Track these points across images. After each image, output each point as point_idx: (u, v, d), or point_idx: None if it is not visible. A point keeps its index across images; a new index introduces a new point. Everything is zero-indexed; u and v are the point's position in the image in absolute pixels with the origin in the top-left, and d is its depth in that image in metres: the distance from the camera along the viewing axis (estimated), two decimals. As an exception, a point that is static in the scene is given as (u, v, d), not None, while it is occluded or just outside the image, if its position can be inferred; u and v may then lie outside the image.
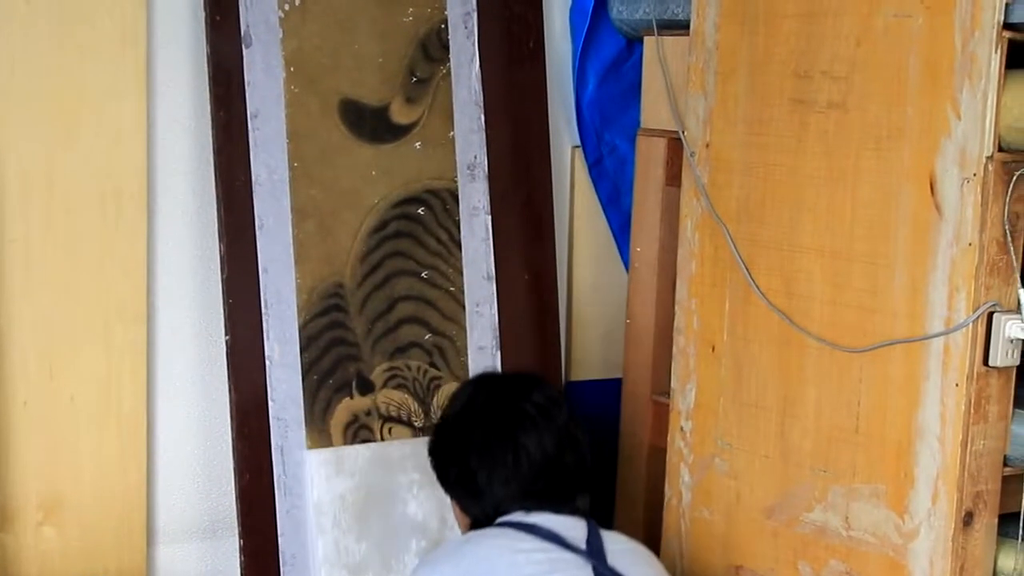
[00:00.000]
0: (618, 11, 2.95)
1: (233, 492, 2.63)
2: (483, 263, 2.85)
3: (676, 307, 2.72)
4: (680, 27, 2.76)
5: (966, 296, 2.21)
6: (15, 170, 2.49)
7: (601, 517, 2.41)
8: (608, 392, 3.05)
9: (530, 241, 2.92)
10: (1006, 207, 2.19)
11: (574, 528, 2.29)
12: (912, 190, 2.27)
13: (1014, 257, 2.21)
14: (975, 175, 2.19)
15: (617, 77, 3.05)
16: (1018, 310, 2.22)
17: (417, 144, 2.79)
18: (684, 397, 2.70)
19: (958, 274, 2.22)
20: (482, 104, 2.86)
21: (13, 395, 2.51)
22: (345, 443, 2.70)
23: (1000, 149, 2.19)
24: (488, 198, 2.86)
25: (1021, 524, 2.26)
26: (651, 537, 2.83)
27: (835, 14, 2.38)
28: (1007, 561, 2.30)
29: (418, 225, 2.80)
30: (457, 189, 2.83)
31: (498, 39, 2.88)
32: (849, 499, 2.39)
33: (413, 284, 2.79)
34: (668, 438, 2.74)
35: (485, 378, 2.55)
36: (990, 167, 2.18)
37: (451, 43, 2.82)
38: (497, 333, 2.86)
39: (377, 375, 2.75)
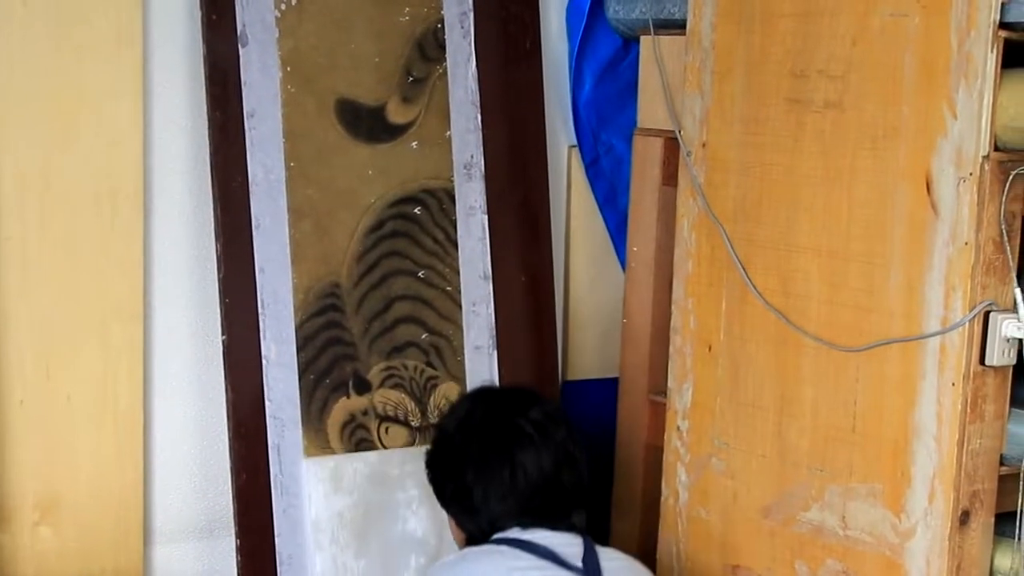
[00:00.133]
0: (614, 11, 2.95)
1: (230, 492, 2.63)
2: (480, 263, 2.85)
3: (673, 307, 2.72)
4: (676, 27, 2.76)
5: (962, 295, 2.21)
6: (12, 170, 2.49)
7: (598, 517, 2.41)
8: (605, 392, 3.05)
9: (527, 241, 2.92)
10: (1002, 206, 2.19)
11: (570, 545, 2.29)
12: (908, 189, 2.27)
13: (1010, 256, 2.21)
14: (971, 174, 2.19)
15: (614, 77, 3.05)
16: (1014, 309, 2.22)
17: (413, 144, 2.79)
18: (681, 397, 2.70)
19: (954, 273, 2.22)
20: (479, 104, 2.86)
21: (10, 394, 2.51)
22: (342, 443, 2.70)
23: (996, 148, 2.19)
24: (485, 198, 2.86)
25: (1018, 523, 2.26)
26: (648, 537, 2.84)
27: (831, 13, 2.38)
28: (1003, 560, 2.31)
29: (415, 225, 2.79)
30: (453, 189, 2.83)
31: (494, 39, 2.88)
32: (846, 498, 2.39)
33: (410, 284, 2.79)
34: (665, 438, 2.74)
35: (483, 393, 2.55)
36: (986, 166, 2.18)
37: (447, 43, 2.82)
38: (494, 333, 2.86)
39: (374, 375, 2.75)
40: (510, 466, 2.32)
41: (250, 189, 2.63)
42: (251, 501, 2.62)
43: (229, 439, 2.62)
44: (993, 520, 2.30)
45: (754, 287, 2.54)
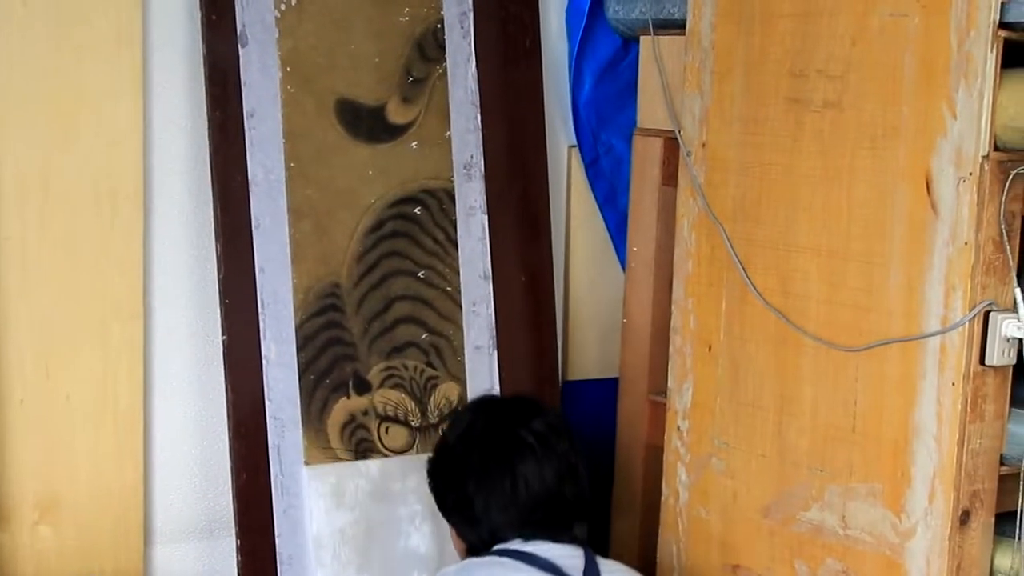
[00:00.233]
0: (614, 11, 2.95)
1: (230, 492, 2.63)
2: (480, 263, 2.85)
3: (673, 306, 2.72)
4: (676, 27, 2.77)
5: (962, 295, 2.21)
6: (12, 170, 2.49)
7: (598, 517, 2.41)
8: (605, 392, 3.05)
9: (527, 241, 2.92)
10: (1002, 206, 2.19)
11: (571, 557, 2.29)
12: (908, 189, 2.27)
13: (1010, 256, 2.21)
14: (971, 174, 2.19)
15: (613, 77, 3.05)
16: (1014, 309, 2.22)
17: (413, 144, 2.79)
18: (681, 396, 2.70)
19: (954, 273, 2.22)
20: (478, 104, 2.86)
21: (9, 394, 2.51)
22: (343, 443, 2.70)
23: (996, 148, 2.19)
24: (484, 198, 2.86)
25: (1018, 523, 2.26)
26: (648, 537, 2.84)
27: (831, 13, 2.38)
28: (1004, 560, 2.31)
29: (414, 225, 2.80)
30: (453, 189, 2.83)
31: (494, 39, 2.88)
32: (846, 498, 2.39)
33: (410, 284, 2.79)
34: (665, 437, 2.74)
35: (485, 402, 2.54)
36: (986, 166, 2.18)
37: (447, 43, 2.82)
38: (494, 333, 2.86)
39: (374, 375, 2.75)
40: (511, 477, 2.32)
41: (250, 189, 2.63)
42: (251, 501, 2.62)
43: (229, 439, 2.62)
44: (993, 520, 2.30)
45: (754, 287, 2.54)
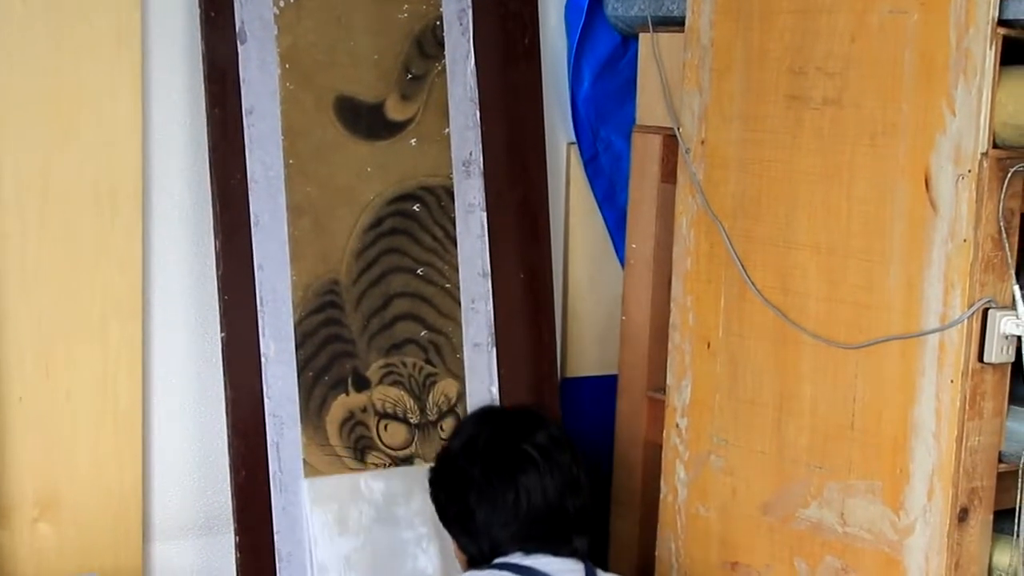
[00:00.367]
0: (613, 8, 2.95)
1: (229, 489, 2.63)
2: (479, 260, 2.85)
3: (672, 303, 2.72)
4: (675, 24, 2.77)
5: (961, 292, 2.21)
6: (11, 167, 2.49)
7: (598, 516, 2.41)
8: (604, 389, 3.05)
9: (526, 238, 2.92)
10: (1001, 203, 2.20)
11: (572, 571, 2.29)
12: (907, 186, 2.27)
13: (1009, 253, 2.22)
14: (970, 171, 2.19)
15: (612, 74, 3.05)
16: (1013, 306, 2.22)
17: (412, 141, 2.79)
18: (680, 394, 2.70)
19: (953, 270, 2.22)
20: (477, 101, 2.86)
21: (9, 391, 2.51)
22: (342, 440, 2.70)
23: (995, 146, 2.19)
24: (483, 195, 2.86)
25: (1016, 520, 2.26)
26: (647, 534, 2.84)
27: (830, 10, 2.38)
28: (1002, 557, 2.31)
29: (413, 222, 2.79)
30: (452, 186, 2.83)
31: (493, 36, 2.88)
32: (845, 495, 2.40)
33: (409, 281, 2.79)
34: (664, 435, 2.75)
35: (488, 413, 2.53)
36: (985, 164, 2.18)
37: (446, 40, 2.82)
38: (493, 330, 2.87)
39: (373, 372, 2.75)
40: (514, 491, 2.31)
41: (249, 186, 2.63)
42: (250, 498, 2.62)
43: (228, 436, 2.62)
44: (992, 517, 2.30)
45: (753, 284, 2.54)
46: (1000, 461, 2.29)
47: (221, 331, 2.61)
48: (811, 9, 2.41)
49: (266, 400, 2.64)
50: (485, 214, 2.86)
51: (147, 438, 2.68)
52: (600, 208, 3.11)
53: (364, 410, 2.74)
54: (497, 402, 2.85)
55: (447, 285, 2.82)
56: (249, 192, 2.62)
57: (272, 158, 2.65)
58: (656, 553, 2.77)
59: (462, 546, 2.39)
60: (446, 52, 2.82)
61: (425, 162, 2.80)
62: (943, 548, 2.26)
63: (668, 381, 2.73)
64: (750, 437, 2.56)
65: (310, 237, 2.68)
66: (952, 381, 2.23)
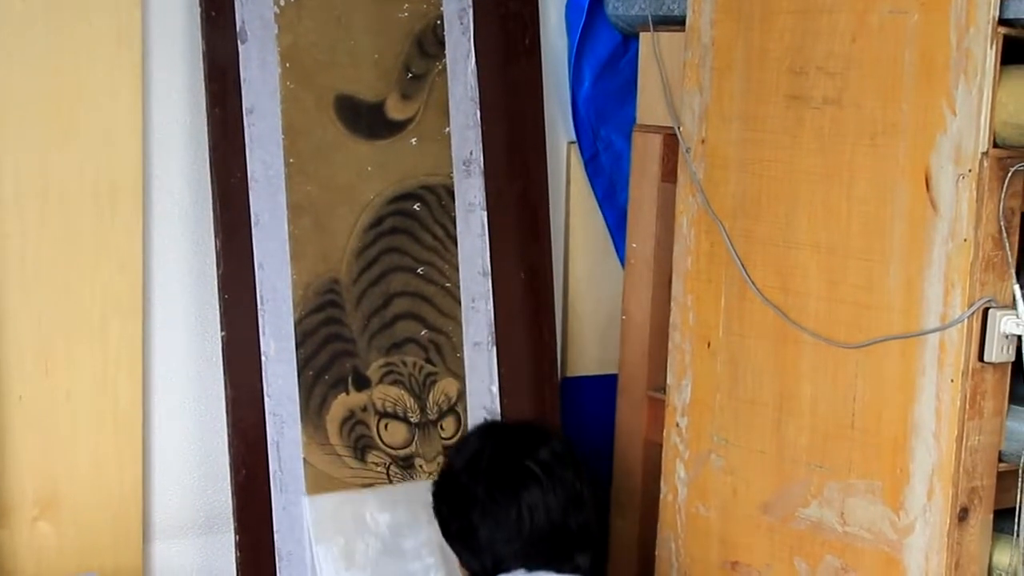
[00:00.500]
0: (614, 7, 2.95)
1: (229, 488, 2.63)
2: (479, 259, 2.86)
3: (672, 303, 2.72)
4: (676, 23, 2.76)
5: (961, 292, 2.21)
6: (12, 167, 2.49)
7: (597, 516, 2.41)
8: (604, 388, 3.05)
9: (526, 237, 2.92)
10: (1001, 203, 2.19)
11: None
12: (907, 186, 2.27)
13: (1009, 253, 2.21)
14: (970, 171, 2.19)
15: (613, 73, 3.05)
16: (1013, 306, 2.22)
17: (413, 140, 2.79)
18: (680, 393, 2.70)
19: (953, 270, 2.22)
20: (478, 100, 2.86)
21: (9, 390, 2.51)
22: (342, 439, 2.70)
23: (995, 145, 2.19)
24: (484, 194, 2.86)
25: (1016, 520, 2.26)
26: (647, 534, 2.84)
27: (830, 10, 2.38)
28: (1002, 557, 2.31)
29: (414, 221, 2.79)
30: (453, 185, 2.83)
31: (494, 35, 2.88)
32: (845, 495, 2.39)
33: (409, 280, 2.79)
34: (664, 434, 2.74)
35: (491, 429, 2.53)
36: (985, 163, 2.18)
37: (447, 39, 2.82)
38: (493, 329, 2.87)
39: (373, 371, 2.75)
40: (517, 508, 2.31)
41: (249, 185, 2.63)
42: (250, 497, 2.62)
43: (228, 435, 2.62)
44: (992, 517, 2.30)
45: (753, 284, 2.54)
46: (1000, 460, 2.29)
47: (221, 330, 2.61)
48: (811, 9, 2.41)
49: (266, 399, 2.64)
50: (485, 213, 2.86)
51: (147, 437, 2.68)
52: (600, 207, 3.11)
53: (364, 409, 2.74)
54: (497, 403, 2.85)
55: (447, 284, 2.82)
56: (249, 191, 2.62)
57: (272, 157, 2.65)
58: (656, 552, 2.77)
59: (464, 562, 2.39)
60: (446, 51, 2.82)
61: (425, 161, 2.80)
62: (943, 548, 2.26)
63: (668, 380, 2.73)
64: (750, 436, 2.56)
65: (310, 236, 2.68)
66: (952, 380, 2.23)
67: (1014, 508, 2.27)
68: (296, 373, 2.67)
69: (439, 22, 2.81)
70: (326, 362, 2.70)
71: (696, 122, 2.65)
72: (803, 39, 2.43)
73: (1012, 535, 2.28)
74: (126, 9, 2.56)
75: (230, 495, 2.63)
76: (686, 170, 2.67)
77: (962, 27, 2.18)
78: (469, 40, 2.85)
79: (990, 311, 2.21)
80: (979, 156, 2.18)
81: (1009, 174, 2.19)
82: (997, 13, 2.15)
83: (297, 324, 2.67)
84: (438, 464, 2.79)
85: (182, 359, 2.72)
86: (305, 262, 2.68)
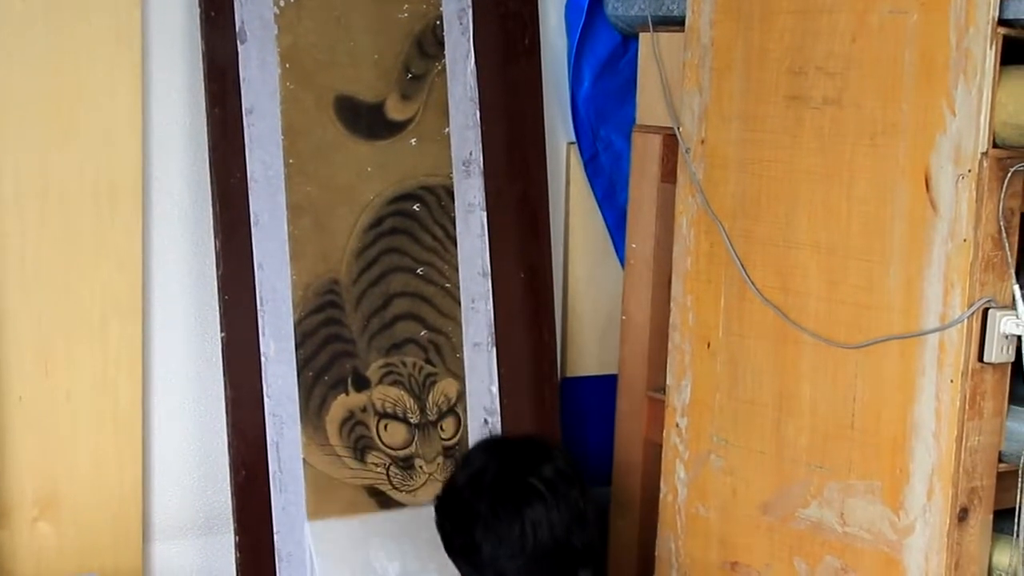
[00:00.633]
0: (613, 7, 2.95)
1: (228, 489, 2.63)
2: (479, 259, 2.85)
3: (671, 303, 2.72)
4: (675, 23, 2.76)
5: (961, 292, 2.21)
6: (11, 167, 2.49)
7: (596, 514, 2.41)
8: (603, 388, 3.05)
9: (526, 237, 2.92)
10: (1001, 203, 2.19)
11: None
12: (907, 186, 2.27)
13: (1009, 253, 2.21)
14: (970, 171, 2.19)
15: (612, 73, 3.05)
16: (1013, 306, 2.22)
17: (413, 140, 2.79)
18: (680, 393, 2.70)
19: (953, 270, 2.22)
20: (477, 100, 2.86)
21: (8, 391, 2.51)
22: (341, 440, 2.70)
23: (995, 145, 2.19)
24: (484, 194, 2.86)
25: (1016, 520, 2.26)
26: (646, 534, 2.84)
27: (830, 10, 2.38)
28: (1002, 557, 2.31)
29: (414, 221, 2.79)
30: (453, 185, 2.83)
31: (493, 35, 2.88)
32: (844, 495, 2.39)
33: (409, 280, 2.79)
34: (664, 434, 2.74)
35: (494, 445, 2.53)
36: (985, 163, 2.18)
37: (446, 39, 2.82)
38: (493, 329, 2.87)
39: (373, 371, 2.75)
40: (520, 525, 2.31)
41: (249, 186, 2.63)
42: (250, 498, 2.62)
43: (228, 436, 2.62)
44: (991, 517, 2.30)
45: (753, 284, 2.54)
46: (1000, 461, 2.29)
47: (221, 330, 2.61)
48: (811, 9, 2.41)
49: (266, 400, 2.64)
50: (485, 213, 2.86)
51: (147, 438, 2.68)
52: (600, 208, 3.11)
53: (364, 410, 2.74)
54: (497, 403, 2.85)
55: (447, 285, 2.82)
56: (249, 191, 2.62)
57: (272, 157, 2.65)
58: (656, 553, 2.77)
59: None
60: (446, 52, 2.82)
61: (425, 161, 2.80)
62: (943, 548, 2.26)
63: (668, 381, 2.73)
64: (750, 437, 2.56)
65: (310, 236, 2.68)
66: (952, 381, 2.23)
67: (1014, 508, 2.27)
68: (296, 374, 2.67)
69: (439, 22, 2.81)
70: (326, 363, 2.70)
71: (696, 122, 2.65)
72: (803, 39, 2.43)
73: (1012, 535, 2.28)
74: (126, 9, 2.56)
75: (230, 496, 2.63)
76: (686, 170, 2.67)
77: (962, 27, 2.18)
78: (469, 40, 2.85)
79: (990, 311, 2.21)
80: (979, 156, 2.18)
81: (1009, 174, 2.19)
82: (997, 13, 2.15)
83: (297, 325, 2.67)
84: (438, 464, 2.80)
85: (182, 359, 2.72)
86: (305, 262, 2.68)
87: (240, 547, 2.62)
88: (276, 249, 2.65)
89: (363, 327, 2.74)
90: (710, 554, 2.65)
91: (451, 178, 2.83)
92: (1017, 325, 2.20)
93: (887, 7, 2.29)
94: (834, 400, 2.40)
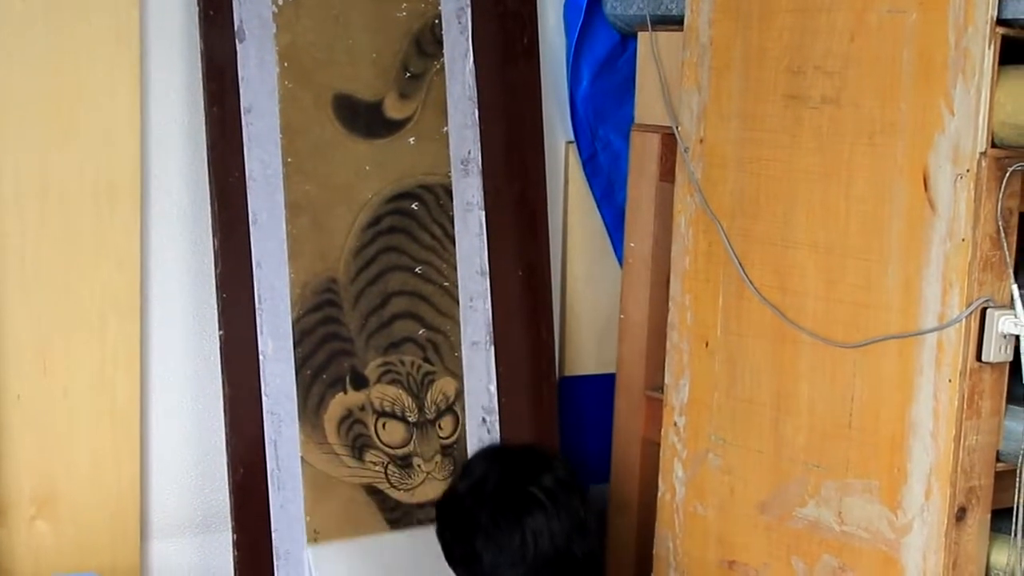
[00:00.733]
0: (612, 6, 2.95)
1: (226, 487, 2.63)
2: (477, 258, 2.85)
3: (670, 302, 2.72)
4: (674, 22, 2.76)
5: (959, 292, 2.21)
6: (11, 166, 2.49)
7: (596, 512, 2.41)
8: (602, 388, 3.05)
9: (524, 236, 2.92)
10: (999, 203, 2.19)
11: None
12: (906, 186, 2.27)
13: (1007, 253, 2.21)
14: (968, 171, 2.19)
15: (611, 72, 3.05)
16: (1011, 306, 2.22)
17: (411, 139, 2.79)
18: (678, 392, 2.70)
19: (951, 270, 2.22)
20: (476, 99, 2.86)
21: (7, 389, 2.51)
22: (340, 439, 2.70)
23: (993, 145, 2.19)
24: (482, 193, 2.86)
25: (1014, 520, 2.26)
26: (644, 533, 2.84)
27: (829, 9, 2.38)
28: (1000, 557, 2.31)
29: (412, 220, 2.79)
30: (451, 184, 2.83)
31: (492, 34, 2.88)
32: (842, 494, 2.40)
33: (407, 279, 2.79)
34: (662, 433, 2.74)
35: (495, 454, 2.53)
36: (983, 163, 2.18)
37: (445, 38, 2.82)
38: (491, 328, 2.87)
39: (371, 370, 2.75)
40: (521, 535, 2.31)
41: (247, 184, 2.62)
42: (248, 496, 2.62)
43: (226, 434, 2.62)
44: (989, 516, 2.30)
45: (751, 283, 2.54)
46: (998, 460, 2.29)
47: (219, 329, 2.61)
48: (810, 8, 2.41)
49: (264, 398, 2.64)
50: (483, 212, 2.86)
51: (145, 436, 2.68)
52: (598, 207, 3.11)
53: (362, 408, 2.74)
54: (495, 402, 2.85)
55: (445, 283, 2.82)
56: (247, 190, 2.62)
57: (270, 156, 2.65)
58: (654, 551, 2.77)
59: None
60: (445, 51, 2.82)
61: (423, 160, 2.80)
62: (941, 547, 2.26)
63: (666, 380, 2.73)
64: (748, 436, 2.56)
65: (308, 235, 2.68)
66: (950, 380, 2.23)
67: (1012, 508, 2.27)
68: (294, 372, 2.67)
69: (437, 21, 2.81)
70: (324, 361, 2.70)
71: (694, 121, 2.65)
72: (801, 38, 2.43)
73: (1010, 535, 2.28)
74: (125, 9, 2.56)
75: (228, 494, 2.63)
76: (684, 169, 2.67)
77: (960, 27, 2.18)
78: (467, 39, 2.85)
79: (988, 311, 2.21)
80: (977, 156, 2.18)
81: (1007, 174, 2.19)
82: (995, 13, 2.15)
83: (295, 323, 2.67)
84: (436, 463, 2.80)
85: (180, 358, 2.72)
86: (303, 261, 2.68)
87: (238, 545, 2.62)
88: (274, 248, 2.65)
89: (361, 326, 2.74)
90: (708, 553, 2.65)
91: (449, 177, 2.83)
92: (1015, 324, 2.20)
93: (886, 6, 2.29)
94: (832, 399, 2.40)
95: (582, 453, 3.05)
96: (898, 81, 2.28)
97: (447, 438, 2.83)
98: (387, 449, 2.76)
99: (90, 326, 2.58)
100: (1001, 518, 2.30)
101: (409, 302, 2.79)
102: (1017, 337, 2.21)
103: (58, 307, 2.54)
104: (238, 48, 2.62)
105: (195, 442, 2.75)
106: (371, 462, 2.75)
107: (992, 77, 2.17)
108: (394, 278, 2.77)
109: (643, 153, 2.90)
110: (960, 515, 2.26)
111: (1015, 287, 2.22)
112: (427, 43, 2.80)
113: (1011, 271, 2.23)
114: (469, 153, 2.85)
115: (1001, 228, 2.20)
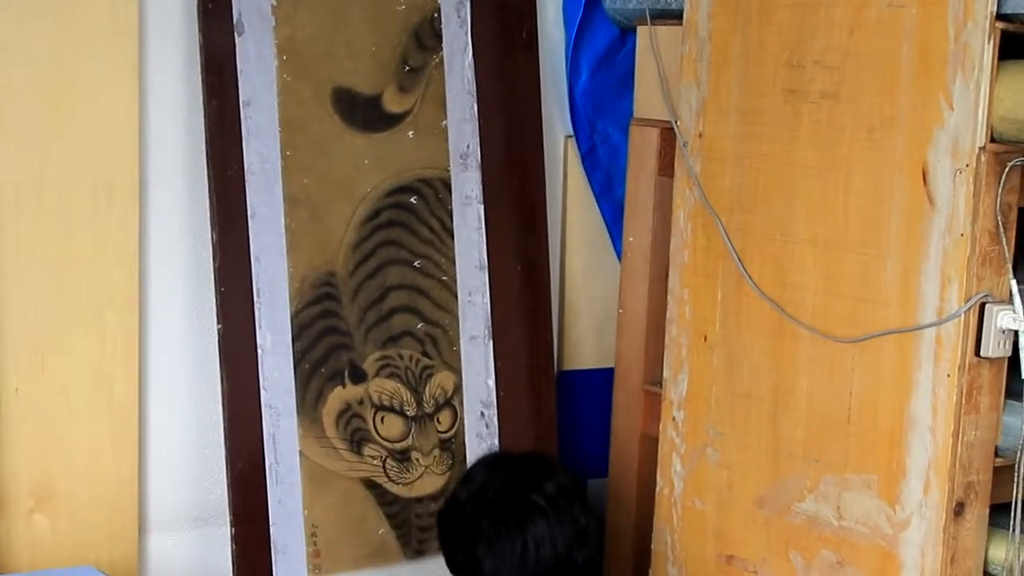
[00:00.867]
0: (611, 1, 2.94)
1: (224, 481, 2.63)
2: (476, 252, 2.85)
3: (668, 297, 2.72)
4: (673, 17, 2.76)
5: (958, 287, 2.21)
6: (8, 159, 2.48)
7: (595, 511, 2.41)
8: (600, 382, 3.05)
9: (523, 230, 2.92)
10: (998, 198, 2.19)
11: None
12: (905, 180, 2.27)
13: (1006, 248, 2.21)
14: (968, 166, 2.19)
15: (610, 67, 3.05)
16: (1010, 301, 2.22)
17: (410, 133, 2.79)
18: (676, 387, 2.70)
19: (950, 265, 2.22)
20: (475, 93, 2.85)
21: (5, 383, 2.51)
22: (338, 432, 2.70)
23: (993, 140, 2.19)
24: (481, 187, 2.86)
25: (1012, 515, 2.26)
26: (643, 527, 2.84)
27: (828, 4, 2.38)
28: (998, 552, 2.31)
29: (411, 214, 2.79)
30: (450, 178, 2.83)
31: (491, 28, 2.88)
32: (841, 489, 2.40)
33: (406, 273, 2.79)
34: (660, 428, 2.74)
35: (497, 462, 2.53)
36: (983, 158, 2.18)
37: (444, 32, 2.82)
38: (489, 322, 2.86)
39: (369, 364, 2.75)
40: (522, 542, 2.32)
41: (246, 178, 2.62)
42: (246, 490, 2.62)
43: (224, 428, 2.62)
44: (988, 511, 2.30)
45: (750, 277, 2.53)
46: (996, 455, 2.29)
47: (218, 323, 2.61)
48: (809, 3, 2.41)
49: (262, 392, 2.63)
50: (482, 207, 2.86)
51: (143, 430, 2.68)
52: (597, 201, 3.11)
53: (361, 402, 2.74)
54: (493, 396, 2.85)
55: (444, 278, 2.82)
56: (246, 184, 2.62)
57: (269, 150, 2.64)
58: (652, 546, 2.77)
59: None
60: (444, 44, 2.82)
61: (422, 154, 2.80)
62: (939, 542, 2.26)
63: (665, 374, 2.73)
64: (746, 430, 2.56)
65: (307, 229, 2.68)
66: (949, 375, 2.23)
67: (1010, 503, 2.27)
68: (292, 366, 2.67)
69: (436, 15, 2.81)
70: (322, 355, 2.70)
71: (693, 116, 2.65)
72: (801, 33, 2.43)
73: (1008, 530, 2.28)
74: (123, 2, 2.56)
75: (226, 488, 2.63)
76: (683, 164, 2.67)
77: (960, 21, 2.18)
78: (467, 33, 2.84)
79: (987, 306, 2.21)
80: (976, 151, 2.18)
81: (1006, 169, 2.19)
82: (995, 8, 2.15)
83: (293, 317, 2.67)
84: (434, 457, 2.80)
85: (178, 352, 2.72)
86: (302, 255, 2.68)
87: (236, 539, 2.62)
88: (273, 241, 2.65)
89: (360, 319, 2.74)
90: (706, 548, 2.65)
91: (448, 171, 2.83)
92: (1014, 320, 2.20)
93: (885, 1, 2.29)
94: (830, 394, 2.40)
95: (580, 448, 3.05)
96: (897, 76, 2.28)
97: (445, 432, 2.83)
98: (385, 443, 2.76)
99: (88, 320, 2.57)
100: (999, 513, 2.30)
101: (408, 296, 2.79)
102: (1016, 332, 2.21)
103: (56, 301, 2.54)
104: (237, 41, 2.62)
105: (193, 436, 2.74)
106: (369, 456, 2.75)
107: (991, 72, 2.17)
108: (393, 272, 2.77)
109: (642, 147, 2.90)
110: (958, 510, 2.26)
111: (1014, 282, 2.22)
112: (426, 37, 2.80)
113: (1010, 266, 2.23)
114: (468, 147, 2.85)
115: (1000, 223, 2.20)
